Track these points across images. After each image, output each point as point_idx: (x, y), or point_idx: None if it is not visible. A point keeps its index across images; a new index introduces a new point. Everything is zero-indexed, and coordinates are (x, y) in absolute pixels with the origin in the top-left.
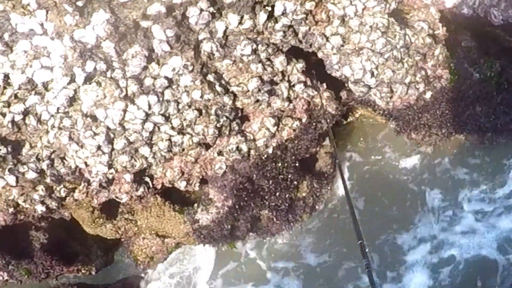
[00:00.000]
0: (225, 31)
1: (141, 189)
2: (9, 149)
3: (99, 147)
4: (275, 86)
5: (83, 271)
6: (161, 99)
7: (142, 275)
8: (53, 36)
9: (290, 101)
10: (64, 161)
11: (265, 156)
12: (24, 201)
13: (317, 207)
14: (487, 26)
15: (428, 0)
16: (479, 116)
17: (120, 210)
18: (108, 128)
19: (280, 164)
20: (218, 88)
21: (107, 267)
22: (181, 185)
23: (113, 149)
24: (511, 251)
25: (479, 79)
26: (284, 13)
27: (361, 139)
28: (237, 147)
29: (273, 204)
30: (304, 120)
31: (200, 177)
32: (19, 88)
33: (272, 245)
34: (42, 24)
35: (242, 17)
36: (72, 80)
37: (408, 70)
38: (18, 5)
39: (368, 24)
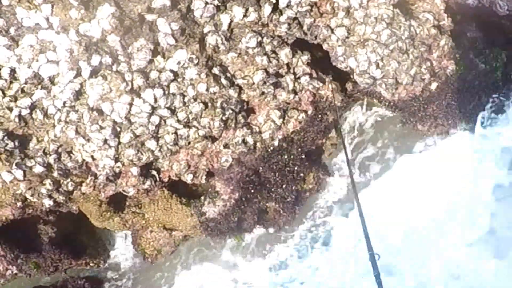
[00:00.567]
0: (230, 24)
1: (148, 182)
2: (16, 143)
3: (105, 141)
4: (280, 79)
5: (91, 264)
6: (166, 92)
7: None
8: (59, 30)
9: (296, 93)
10: (71, 155)
11: (271, 148)
12: (32, 195)
13: None
14: (492, 16)
15: None
16: (485, 107)
17: (127, 203)
18: (114, 122)
19: (286, 156)
20: (224, 81)
21: None
22: (188, 178)
23: (119, 142)
24: None
25: (484, 69)
26: (288, 5)
27: None
28: (243, 140)
29: (280, 196)
30: (309, 112)
31: (207, 170)
32: (26, 83)
33: None
34: (47, 18)
35: (247, 10)
36: (78, 74)
37: (414, 61)
38: (24, 0)
39: (373, 15)
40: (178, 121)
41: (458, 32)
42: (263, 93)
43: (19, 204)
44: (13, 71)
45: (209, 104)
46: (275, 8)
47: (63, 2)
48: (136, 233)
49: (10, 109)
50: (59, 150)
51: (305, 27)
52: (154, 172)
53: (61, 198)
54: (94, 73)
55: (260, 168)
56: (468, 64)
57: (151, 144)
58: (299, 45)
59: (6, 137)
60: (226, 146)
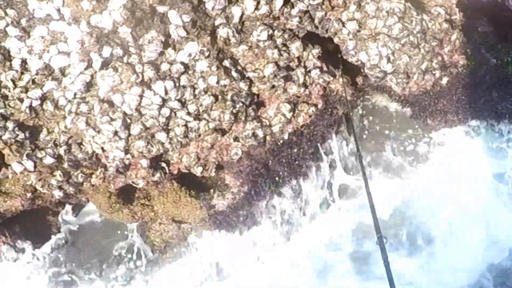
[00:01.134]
0: (241, 17)
1: (158, 175)
2: (27, 134)
3: (116, 133)
4: (291, 72)
5: None
6: (177, 84)
7: None
8: (70, 22)
9: (306, 87)
10: (81, 146)
11: (281, 142)
12: (42, 186)
13: None
14: (504, 11)
15: None
16: (496, 102)
17: (136, 195)
18: (124, 114)
19: (295, 150)
20: (234, 74)
21: None
22: (197, 170)
23: (129, 134)
24: None
25: (496, 64)
26: None
27: None
28: (253, 133)
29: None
30: (320, 106)
31: (216, 162)
32: (37, 74)
33: None
34: (59, 10)
35: (258, 3)
36: (89, 66)
37: (425, 55)
38: None
39: (384, 9)
40: (189, 113)
41: (470, 27)
42: (273, 86)
43: (29, 195)
44: (24, 62)
45: (220, 97)
46: (287, 1)
47: None
48: (145, 225)
49: (21, 100)
50: (70, 141)
51: (316, 21)
52: (163, 165)
53: (71, 190)
54: (105, 64)
55: (270, 161)
56: (479, 59)
57: (161, 136)
58: (310, 39)
59: (17, 128)
60: (236, 139)
